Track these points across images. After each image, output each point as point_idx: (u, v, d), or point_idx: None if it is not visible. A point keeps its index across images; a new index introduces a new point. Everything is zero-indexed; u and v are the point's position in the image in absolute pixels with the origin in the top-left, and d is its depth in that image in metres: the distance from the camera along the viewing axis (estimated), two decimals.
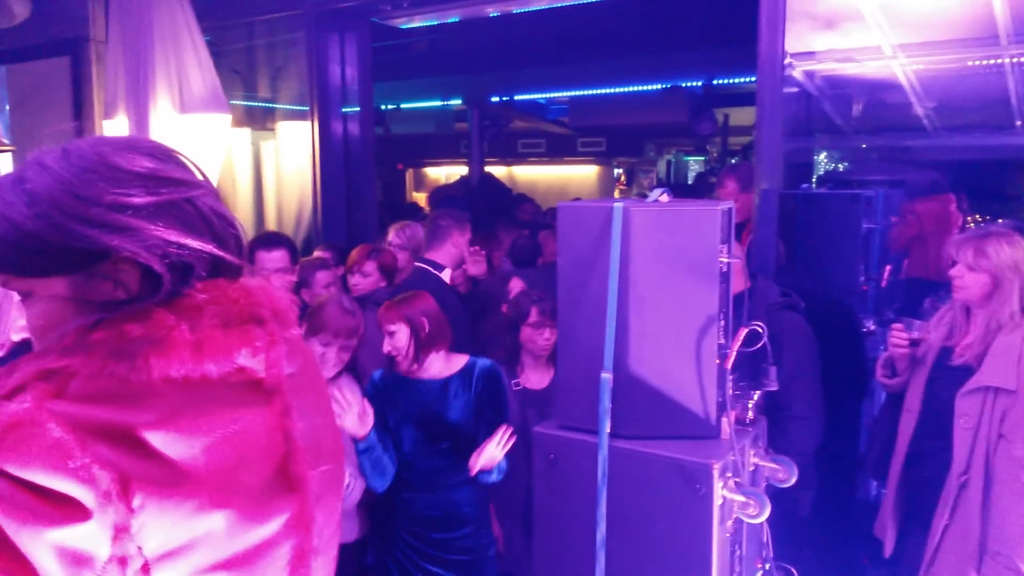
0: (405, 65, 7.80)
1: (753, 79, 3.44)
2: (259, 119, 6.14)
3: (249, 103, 6.06)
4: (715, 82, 7.57)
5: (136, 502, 0.81)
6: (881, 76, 3.98)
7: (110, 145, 0.92)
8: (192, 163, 0.98)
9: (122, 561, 0.81)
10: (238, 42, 5.68)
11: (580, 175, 13.06)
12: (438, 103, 9.55)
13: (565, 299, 2.12)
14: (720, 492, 1.94)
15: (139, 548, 0.81)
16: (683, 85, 7.73)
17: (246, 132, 6.03)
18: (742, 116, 9.09)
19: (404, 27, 5.75)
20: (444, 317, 2.69)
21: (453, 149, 12.11)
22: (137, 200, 0.88)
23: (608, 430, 1.98)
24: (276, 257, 3.06)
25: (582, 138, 12.11)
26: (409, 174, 14.39)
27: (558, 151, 12.66)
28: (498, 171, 11.57)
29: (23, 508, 0.77)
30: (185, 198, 0.92)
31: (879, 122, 4.32)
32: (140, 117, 4.49)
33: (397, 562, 2.68)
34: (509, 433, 2.47)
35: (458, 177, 11.24)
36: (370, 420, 2.49)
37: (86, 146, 0.92)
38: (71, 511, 0.78)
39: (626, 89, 8.09)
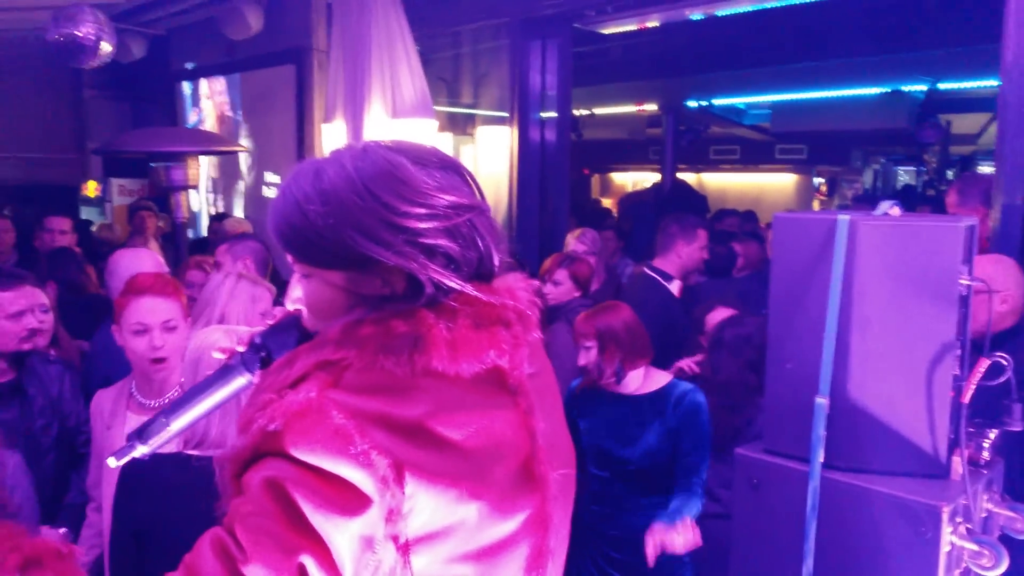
0: (601, 70, 7.79)
1: (982, 82, 3.10)
2: (460, 125, 6.37)
3: (452, 109, 6.30)
4: (939, 86, 6.93)
5: (408, 487, 0.85)
6: None
7: (407, 154, 0.97)
8: (473, 179, 1.02)
9: (394, 539, 0.86)
10: (445, 50, 5.93)
11: (776, 184, 12.45)
12: (632, 108, 9.47)
13: (777, 315, 2.00)
14: (949, 538, 1.75)
15: (405, 529, 0.86)
16: (904, 89, 7.14)
17: (447, 137, 6.27)
18: (964, 123, 8.29)
19: (605, 32, 5.73)
20: (644, 331, 2.59)
21: (642, 155, 11.96)
22: (418, 224, 0.91)
23: (821, 459, 1.84)
24: None
25: (781, 144, 11.53)
26: (595, 179, 14.40)
27: (753, 158, 12.14)
28: (688, 178, 11.30)
29: (322, 496, 0.82)
30: (465, 220, 0.95)
31: None
32: (356, 121, 4.78)
33: (579, 571, 2.65)
34: (694, 531, 2.27)
35: (648, 183, 11.09)
36: None
37: (383, 152, 0.97)
38: (359, 500, 0.83)
39: (836, 93, 7.60)
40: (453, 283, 0.93)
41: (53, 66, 6.76)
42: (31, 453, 2.27)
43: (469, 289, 0.94)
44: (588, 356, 2.57)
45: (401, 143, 1.00)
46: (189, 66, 7.21)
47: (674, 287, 3.44)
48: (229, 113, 6.91)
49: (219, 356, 1.05)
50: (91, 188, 8.40)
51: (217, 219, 6.02)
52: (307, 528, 0.81)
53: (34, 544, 0.85)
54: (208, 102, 7.18)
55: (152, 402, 2.19)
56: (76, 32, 5.05)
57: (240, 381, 1.01)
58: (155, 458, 1.68)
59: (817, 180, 12.88)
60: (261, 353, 1.01)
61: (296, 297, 1.01)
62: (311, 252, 0.96)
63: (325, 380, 0.88)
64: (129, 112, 8.52)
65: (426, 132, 4.78)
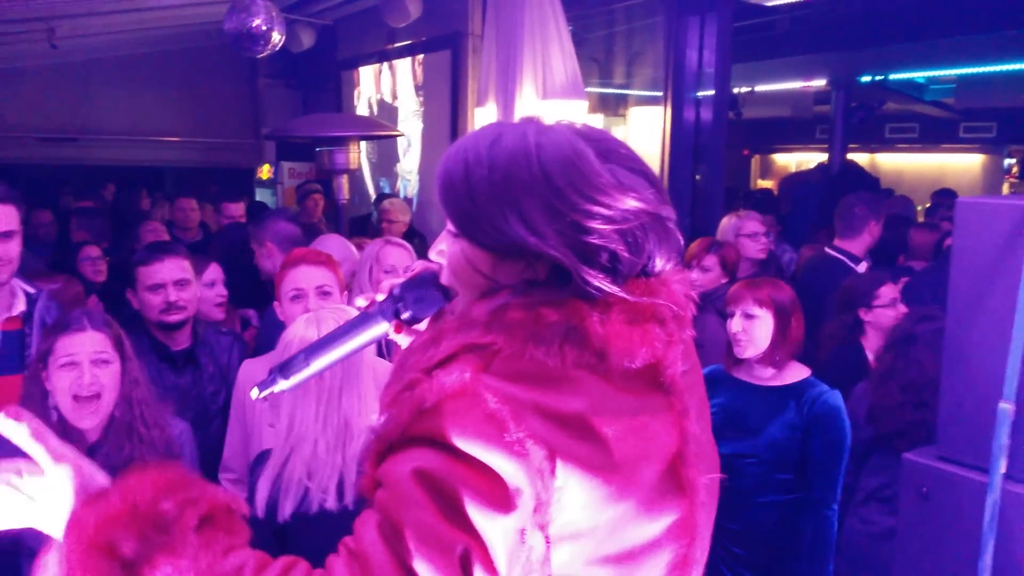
0: (765, 44, 7.39)
1: None
2: (612, 106, 6.27)
3: (603, 90, 6.21)
4: None
5: (559, 480, 0.82)
6: None
7: (595, 144, 0.90)
8: (658, 184, 0.94)
9: (541, 528, 0.83)
10: (598, 30, 5.83)
11: (959, 165, 11.39)
12: (797, 84, 8.95)
13: (957, 310, 1.81)
14: None
15: (551, 523, 0.83)
16: None
17: (598, 118, 6.19)
18: None
19: (770, 4, 5.43)
20: (801, 319, 2.43)
21: (808, 134, 11.28)
22: (584, 221, 0.86)
23: (1003, 470, 1.65)
24: None
25: (966, 122, 10.52)
26: (755, 160, 13.77)
27: (934, 137, 11.14)
28: (859, 158, 10.56)
29: (475, 490, 0.79)
30: (637, 226, 0.89)
31: None
32: (507, 104, 4.80)
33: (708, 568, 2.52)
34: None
35: (812, 164, 10.47)
36: None
37: (569, 135, 0.91)
38: (513, 492, 0.79)
39: None
40: (605, 286, 0.87)
41: (231, 57, 7.28)
42: (199, 418, 2.45)
43: (621, 292, 0.87)
44: (746, 328, 2.37)
45: (593, 130, 0.94)
46: (352, 54, 7.52)
47: (861, 269, 3.27)
48: (388, 100, 7.15)
49: (361, 303, 1.05)
50: (265, 171, 8.99)
51: (379, 200, 6.26)
52: (464, 523, 0.78)
53: (209, 498, 0.85)
54: (369, 88, 7.47)
55: None
56: (250, 23, 5.39)
57: (378, 329, 1.02)
58: None
59: (1008, 161, 11.65)
60: (398, 303, 1.01)
61: (440, 250, 0.98)
62: (463, 218, 0.92)
63: (476, 363, 0.84)
64: (299, 99, 9.03)
65: (576, 114, 4.73)
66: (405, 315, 1.01)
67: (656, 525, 0.89)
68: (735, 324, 2.41)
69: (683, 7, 5.06)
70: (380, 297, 1.03)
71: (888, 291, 2.96)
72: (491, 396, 0.81)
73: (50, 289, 2.44)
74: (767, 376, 2.43)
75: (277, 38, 5.54)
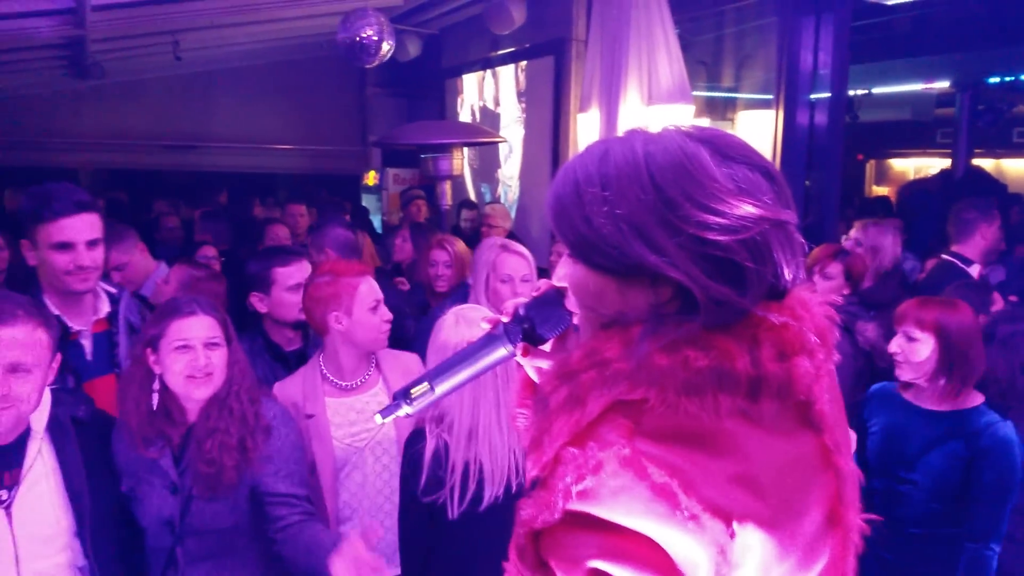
0: (884, 45, 7.04)
1: None
2: (719, 109, 6.10)
3: (711, 93, 6.05)
4: None
5: (738, 544, 0.75)
6: None
7: (708, 144, 0.83)
8: (782, 183, 0.86)
9: None
10: (706, 32, 5.69)
11: None
12: (918, 86, 8.48)
13: None
14: None
15: None
16: None
17: (705, 123, 6.03)
18: None
19: (890, 3, 5.16)
20: (979, 344, 2.22)
21: (928, 138, 10.68)
22: (702, 233, 0.78)
23: None
24: None
25: None
26: (870, 165, 13.15)
27: None
28: (984, 163, 9.92)
29: (654, 571, 0.73)
30: (759, 232, 0.80)
31: None
32: (610, 109, 4.74)
33: None
34: None
35: (932, 170, 9.91)
36: None
37: (679, 139, 0.83)
38: (692, 569, 0.74)
39: None
40: (739, 305, 0.79)
41: (341, 67, 7.50)
42: None
43: (759, 310, 0.80)
44: (907, 349, 2.24)
45: (705, 130, 0.86)
46: (456, 62, 7.61)
47: (974, 271, 3.31)
48: (491, 106, 7.20)
49: (484, 326, 1.01)
50: (371, 177, 9.21)
51: (459, 208, 6.26)
52: None
53: None
54: (472, 95, 7.54)
55: (347, 383, 2.27)
56: (361, 33, 5.52)
57: (501, 352, 0.99)
58: None
59: None
60: (524, 325, 0.97)
61: (562, 275, 0.93)
62: (579, 241, 0.85)
63: (627, 427, 0.77)
64: (405, 107, 9.22)
65: (682, 118, 4.62)
66: (530, 334, 0.97)
67: (811, 573, 0.82)
68: (895, 344, 2.29)
69: (798, 7, 4.87)
70: (504, 319, 0.99)
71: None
72: (654, 468, 0.74)
73: (162, 279, 2.53)
74: (934, 400, 2.27)
75: (387, 48, 5.66)
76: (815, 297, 0.85)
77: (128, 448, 1.85)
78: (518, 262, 2.75)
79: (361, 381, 2.28)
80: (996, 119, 8.41)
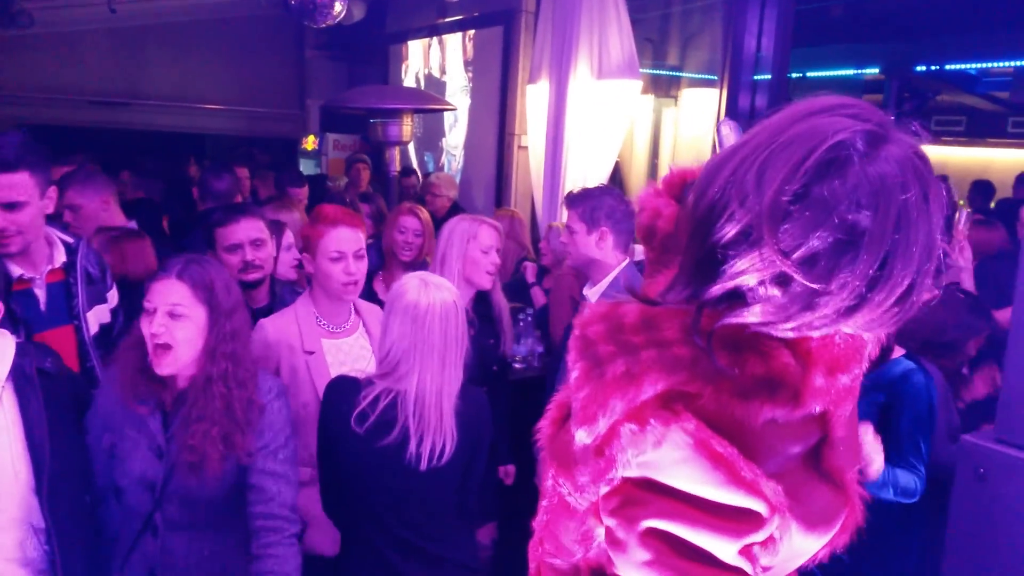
0: (820, 31, 7.25)
1: None
2: (664, 87, 6.22)
3: (656, 71, 6.15)
4: None
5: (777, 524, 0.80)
6: None
7: (825, 113, 0.79)
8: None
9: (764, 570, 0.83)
10: (654, 10, 5.77)
11: (1006, 160, 11.11)
12: (850, 72, 8.79)
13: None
14: None
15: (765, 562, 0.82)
16: None
17: (649, 99, 6.14)
18: None
19: None
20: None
21: None
22: (812, 243, 0.74)
23: None
24: None
25: (1015, 116, 10.27)
26: None
27: (980, 131, 10.89)
28: None
29: (716, 527, 0.79)
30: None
31: None
32: (560, 81, 4.79)
33: None
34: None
35: None
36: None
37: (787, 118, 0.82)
38: (754, 520, 0.79)
39: None
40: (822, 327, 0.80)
41: (278, 27, 7.30)
42: None
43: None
44: None
45: (827, 101, 0.82)
46: (402, 28, 7.52)
47: None
48: (436, 74, 7.16)
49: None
50: (309, 142, 9.05)
51: (404, 174, 6.20)
52: (720, 565, 0.79)
53: None
54: (418, 62, 7.48)
55: (332, 326, 2.30)
56: None
57: None
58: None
59: None
60: None
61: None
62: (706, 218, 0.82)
63: (685, 411, 0.80)
64: (345, 72, 9.05)
65: (630, 93, 4.71)
66: None
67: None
68: None
69: None
70: None
71: None
72: (716, 441, 0.79)
73: (88, 238, 2.43)
74: None
75: (339, 8, 5.57)
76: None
77: (114, 402, 1.77)
78: (494, 234, 2.79)
79: (343, 325, 2.33)
80: (920, 106, 8.82)
